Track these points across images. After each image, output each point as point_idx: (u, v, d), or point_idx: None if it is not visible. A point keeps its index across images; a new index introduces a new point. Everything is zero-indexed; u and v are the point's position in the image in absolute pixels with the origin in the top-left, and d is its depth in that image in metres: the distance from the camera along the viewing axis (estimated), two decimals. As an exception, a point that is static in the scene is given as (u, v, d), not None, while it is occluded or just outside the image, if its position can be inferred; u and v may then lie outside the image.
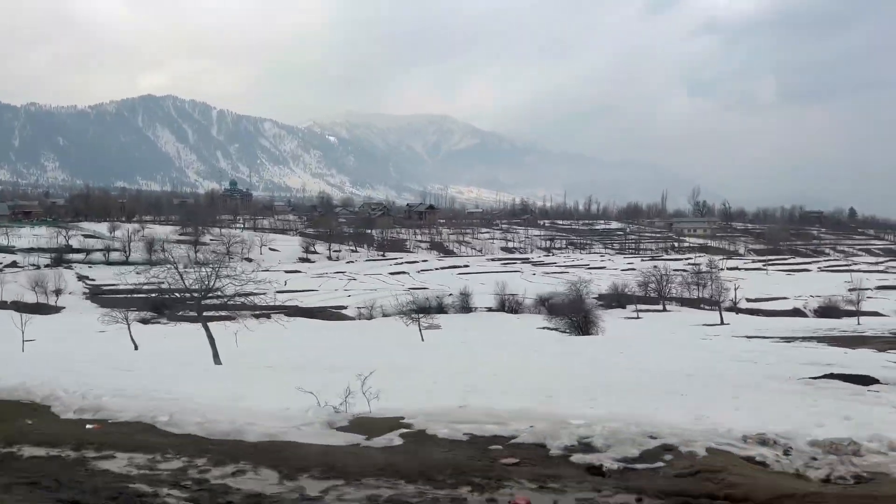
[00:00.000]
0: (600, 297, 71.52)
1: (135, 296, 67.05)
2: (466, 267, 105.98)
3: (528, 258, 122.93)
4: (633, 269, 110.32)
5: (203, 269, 21.36)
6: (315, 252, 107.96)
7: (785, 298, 73.73)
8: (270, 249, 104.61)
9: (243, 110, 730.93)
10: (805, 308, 68.09)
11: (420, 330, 35.62)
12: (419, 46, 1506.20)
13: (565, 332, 38.01)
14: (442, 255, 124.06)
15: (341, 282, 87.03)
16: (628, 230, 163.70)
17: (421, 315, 37.88)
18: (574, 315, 38.47)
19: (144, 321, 59.13)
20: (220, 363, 17.49)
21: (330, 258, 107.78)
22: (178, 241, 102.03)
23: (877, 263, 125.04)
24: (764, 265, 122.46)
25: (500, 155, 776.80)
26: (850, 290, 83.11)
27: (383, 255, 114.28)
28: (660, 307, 68.03)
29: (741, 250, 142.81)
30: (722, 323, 50.88)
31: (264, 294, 55.35)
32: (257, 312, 62.88)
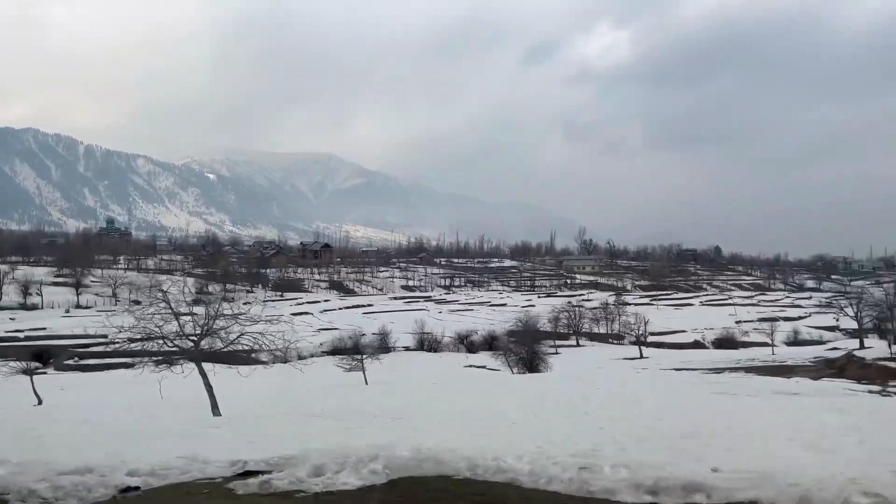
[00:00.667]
0: (511, 333, 71.98)
1: (14, 344, 60.41)
2: (370, 306, 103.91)
3: (429, 296, 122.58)
4: (533, 306, 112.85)
5: (196, 310, 19.04)
6: (209, 293, 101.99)
7: (683, 332, 77.37)
8: (161, 291, 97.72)
9: (115, 145, 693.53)
10: (704, 340, 71.69)
11: (364, 373, 33.83)
12: (304, 84, 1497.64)
13: (512, 369, 37.45)
14: (343, 294, 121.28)
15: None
16: (522, 268, 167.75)
17: (364, 356, 35.95)
18: (523, 351, 38.00)
19: (26, 372, 53.00)
20: (219, 414, 15.37)
21: (225, 300, 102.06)
22: (55, 284, 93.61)
23: (749, 297, 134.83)
24: (651, 300, 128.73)
25: (386, 194, 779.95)
26: (736, 322, 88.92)
27: (281, 296, 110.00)
28: (573, 342, 69.32)
29: (628, 286, 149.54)
30: (641, 356, 52.35)
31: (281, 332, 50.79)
32: (158, 359, 58.40)
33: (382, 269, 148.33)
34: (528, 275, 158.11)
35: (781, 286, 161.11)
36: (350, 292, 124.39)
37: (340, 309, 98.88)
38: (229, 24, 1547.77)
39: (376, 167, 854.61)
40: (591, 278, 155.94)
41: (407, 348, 62.59)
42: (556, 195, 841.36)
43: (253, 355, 61.54)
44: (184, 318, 17.57)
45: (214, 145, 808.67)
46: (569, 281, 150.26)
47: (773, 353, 48.87)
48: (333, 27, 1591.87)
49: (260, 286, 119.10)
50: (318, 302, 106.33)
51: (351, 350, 61.56)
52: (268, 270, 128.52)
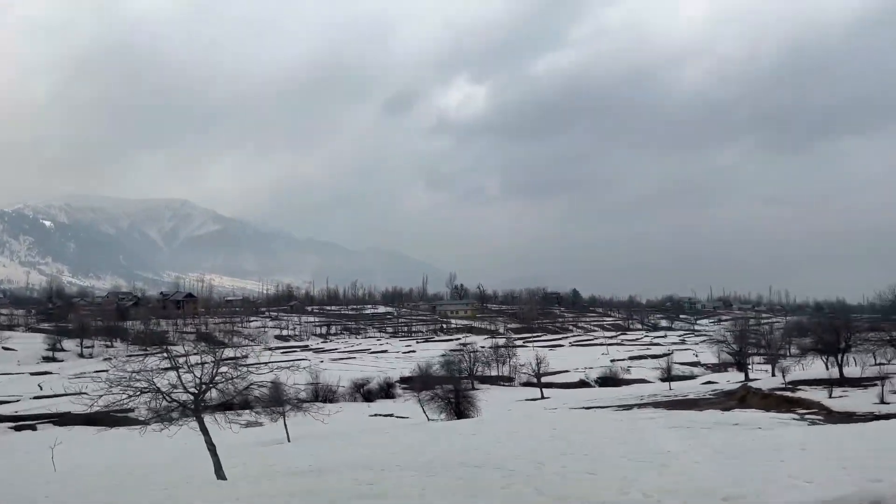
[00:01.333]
0: (403, 379, 71.13)
1: None
2: (246, 357, 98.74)
3: (307, 345, 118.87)
4: (414, 351, 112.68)
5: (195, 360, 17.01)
6: (63, 350, 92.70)
7: (566, 371, 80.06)
8: (4, 349, 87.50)
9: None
10: (588, 378, 74.50)
11: (286, 429, 31.77)
12: (154, 128, 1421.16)
13: (429, 416, 36.63)
14: (213, 346, 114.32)
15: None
16: (396, 313, 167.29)
17: (286, 409, 33.76)
18: (449, 396, 37.10)
19: None
20: (224, 477, 13.64)
21: (82, 355, 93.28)
22: None
23: (613, 337, 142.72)
24: (524, 342, 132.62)
25: (243, 242, 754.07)
26: (611, 360, 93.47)
27: (146, 350, 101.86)
28: (467, 386, 69.39)
29: (501, 329, 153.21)
30: (542, 397, 53.38)
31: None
32: (15, 424, 51.56)
33: (252, 318, 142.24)
34: (404, 321, 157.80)
35: (639, 326, 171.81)
36: (220, 344, 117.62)
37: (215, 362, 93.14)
38: (70, 63, 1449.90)
39: (233, 213, 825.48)
40: (465, 322, 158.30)
41: (300, 400, 59.73)
42: (419, 242, 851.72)
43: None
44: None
45: (52, 191, 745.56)
46: (444, 326, 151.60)
47: (670, 388, 51.63)
48: (190, 70, 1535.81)
49: (119, 340, 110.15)
50: (188, 355, 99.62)
51: (240, 405, 58.11)
52: (126, 323, 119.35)
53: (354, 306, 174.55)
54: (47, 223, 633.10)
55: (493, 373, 77.06)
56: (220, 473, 13.86)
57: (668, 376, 72.89)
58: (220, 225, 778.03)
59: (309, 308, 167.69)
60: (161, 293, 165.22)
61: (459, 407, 35.91)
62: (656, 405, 34.94)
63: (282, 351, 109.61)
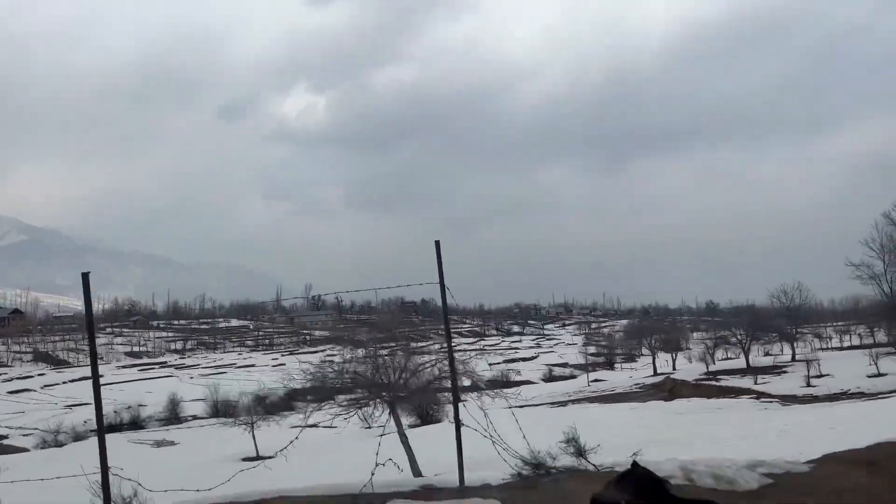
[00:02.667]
0: (295, 392, 69.03)
1: None
2: (102, 376, 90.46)
3: (164, 362, 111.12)
4: (283, 365, 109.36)
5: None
6: None
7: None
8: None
9: None
10: (480, 382, 76.92)
11: (255, 443, 30.25)
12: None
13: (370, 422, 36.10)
14: (54, 366, 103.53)
15: None
16: (252, 327, 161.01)
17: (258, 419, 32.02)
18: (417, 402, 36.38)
19: None
20: (420, 473, 12.52)
21: None
22: None
23: (473, 343, 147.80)
24: (391, 352, 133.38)
25: (55, 254, 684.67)
26: (489, 364, 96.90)
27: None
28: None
29: (364, 339, 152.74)
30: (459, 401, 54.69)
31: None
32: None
33: (96, 335, 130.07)
34: (262, 334, 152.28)
35: (494, 332, 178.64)
36: (62, 363, 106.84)
37: (66, 383, 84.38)
38: None
39: (45, 223, 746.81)
40: (327, 333, 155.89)
41: (194, 417, 56.41)
42: (258, 255, 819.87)
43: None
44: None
45: None
46: (307, 337, 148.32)
47: (588, 385, 54.87)
48: None
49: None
50: (32, 377, 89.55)
51: (129, 424, 53.63)
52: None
53: (205, 320, 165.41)
54: None
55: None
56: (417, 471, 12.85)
57: (549, 376, 77.15)
58: (27, 235, 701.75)
59: (154, 323, 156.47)
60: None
61: (426, 411, 35.58)
62: (590, 400, 37.28)
63: (139, 368, 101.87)
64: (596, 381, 64.22)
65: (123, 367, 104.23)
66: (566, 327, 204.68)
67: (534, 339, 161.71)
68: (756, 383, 34.19)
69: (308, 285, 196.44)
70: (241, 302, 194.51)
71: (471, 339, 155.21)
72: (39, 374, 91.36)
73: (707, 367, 43.85)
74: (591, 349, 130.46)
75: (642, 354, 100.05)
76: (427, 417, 35.19)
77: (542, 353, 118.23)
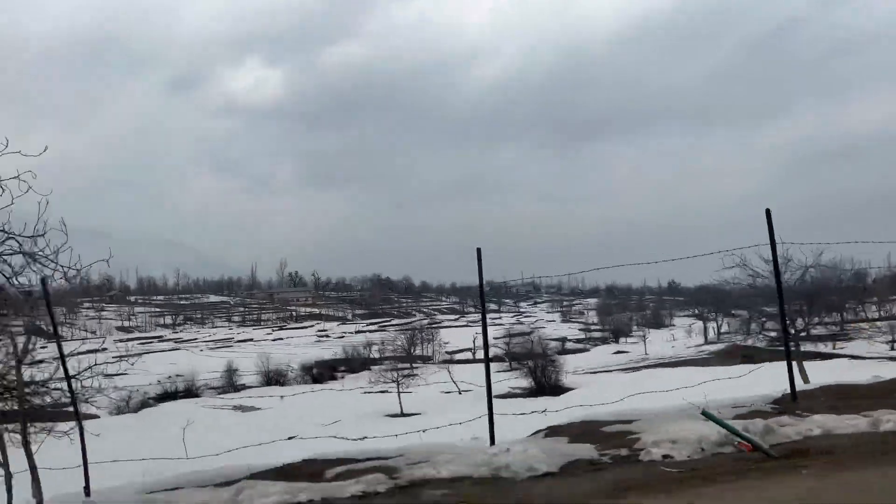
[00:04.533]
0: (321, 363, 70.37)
1: None
2: (106, 350, 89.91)
3: (160, 336, 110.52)
4: (281, 339, 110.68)
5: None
6: None
7: (463, 350, 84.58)
8: None
9: None
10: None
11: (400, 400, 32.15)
12: None
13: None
14: (50, 340, 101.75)
15: None
16: (231, 302, 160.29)
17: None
18: (538, 367, 38.32)
19: None
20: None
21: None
22: None
23: (456, 320, 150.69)
24: (380, 327, 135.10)
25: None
26: (494, 338, 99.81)
27: None
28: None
29: (349, 316, 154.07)
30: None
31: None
32: None
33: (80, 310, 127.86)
34: (244, 309, 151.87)
35: (472, 309, 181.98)
36: (59, 337, 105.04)
37: (77, 355, 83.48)
38: None
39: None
40: (310, 310, 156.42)
41: (244, 386, 57.54)
42: (204, 231, 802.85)
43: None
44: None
45: None
46: (293, 313, 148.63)
47: (646, 354, 58.12)
48: None
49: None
50: (34, 350, 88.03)
51: (183, 394, 54.44)
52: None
53: (183, 296, 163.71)
54: None
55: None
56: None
57: (563, 349, 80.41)
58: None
59: (130, 298, 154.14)
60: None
61: (550, 378, 36.97)
62: (664, 365, 40.43)
63: (137, 342, 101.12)
64: (619, 352, 67.84)
65: (121, 340, 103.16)
66: (538, 305, 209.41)
67: (513, 317, 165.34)
68: (835, 348, 37.79)
69: (283, 261, 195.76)
70: (216, 279, 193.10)
71: (453, 316, 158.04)
72: (42, 348, 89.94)
73: (707, 340, 47.60)
74: (570, 326, 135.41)
75: (632, 332, 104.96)
76: (542, 386, 37.70)
77: (538, 327, 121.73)
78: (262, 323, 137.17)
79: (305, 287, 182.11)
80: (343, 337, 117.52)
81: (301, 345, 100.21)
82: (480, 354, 79.94)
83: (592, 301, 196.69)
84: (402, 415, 34.46)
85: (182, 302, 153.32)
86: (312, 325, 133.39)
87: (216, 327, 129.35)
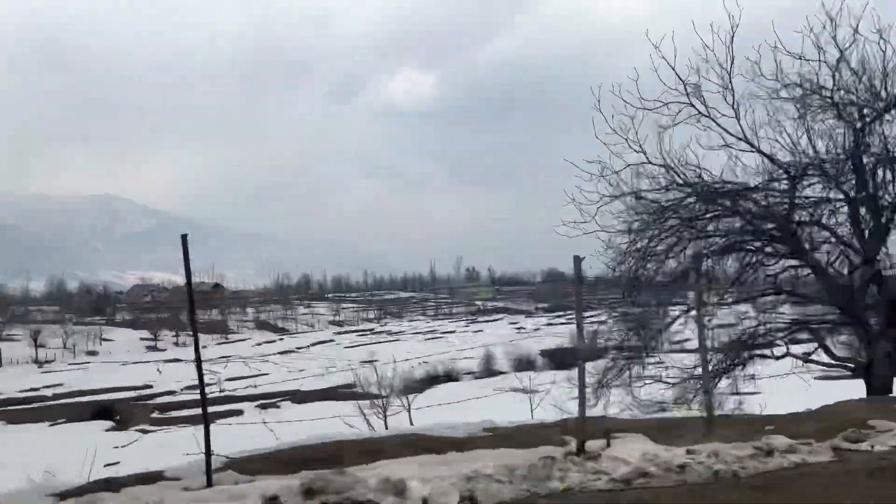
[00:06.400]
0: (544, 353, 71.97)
1: (74, 400, 48.43)
2: (332, 342, 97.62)
3: (371, 329, 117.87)
4: (481, 331, 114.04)
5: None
6: (159, 340, 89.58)
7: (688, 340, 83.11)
8: (105, 340, 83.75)
9: None
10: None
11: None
12: (81, 122, 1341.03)
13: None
14: (276, 333, 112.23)
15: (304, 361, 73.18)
16: (418, 298, 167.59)
17: None
18: None
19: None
20: None
21: (177, 344, 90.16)
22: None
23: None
24: (567, 321, 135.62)
25: (179, 236, 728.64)
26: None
27: (226, 339, 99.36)
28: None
29: (532, 309, 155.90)
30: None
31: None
32: (260, 403, 49.99)
33: (275, 306, 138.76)
34: (433, 304, 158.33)
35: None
36: (281, 330, 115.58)
37: (312, 345, 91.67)
38: None
39: (170, 208, 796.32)
40: (494, 304, 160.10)
41: (500, 372, 60.36)
42: (361, 231, 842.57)
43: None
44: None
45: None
46: (480, 307, 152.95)
47: None
48: (118, 61, 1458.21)
49: (177, 332, 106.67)
50: (276, 341, 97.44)
51: (444, 378, 58.06)
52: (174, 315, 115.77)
53: (372, 293, 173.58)
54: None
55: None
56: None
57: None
58: (154, 220, 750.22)
59: (327, 295, 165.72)
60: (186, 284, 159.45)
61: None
62: None
63: (357, 334, 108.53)
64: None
65: (340, 333, 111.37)
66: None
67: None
68: None
69: (459, 257, 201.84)
70: (399, 277, 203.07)
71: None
72: (278, 339, 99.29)
73: None
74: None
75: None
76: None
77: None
78: (452, 316, 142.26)
79: (482, 282, 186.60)
80: (538, 329, 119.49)
81: (506, 336, 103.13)
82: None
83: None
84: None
85: (371, 298, 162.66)
86: (501, 318, 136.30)
87: (413, 321, 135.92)
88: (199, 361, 6.47)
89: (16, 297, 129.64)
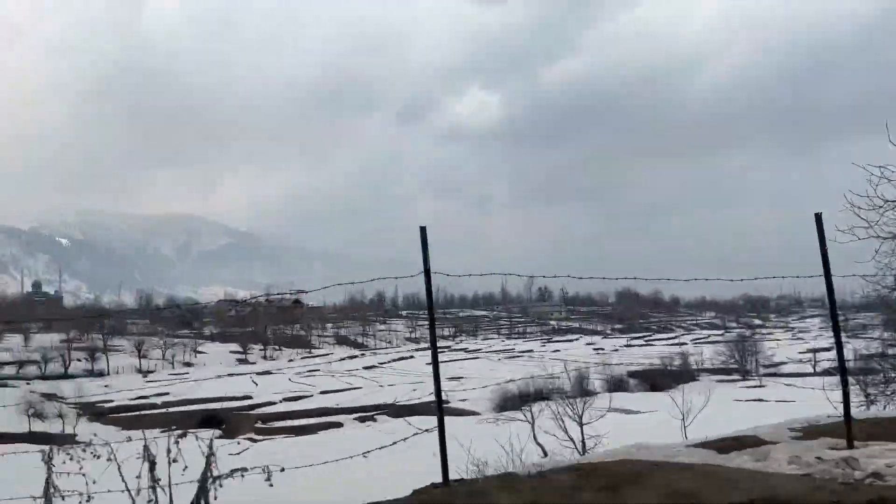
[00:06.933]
0: (633, 374, 71.09)
1: (181, 408, 50.77)
2: (412, 359, 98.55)
3: (447, 346, 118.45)
4: (558, 351, 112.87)
5: None
6: (249, 353, 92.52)
7: (784, 363, 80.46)
8: (198, 352, 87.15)
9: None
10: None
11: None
12: (166, 144, 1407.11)
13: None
14: (356, 349, 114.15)
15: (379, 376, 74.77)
16: (491, 316, 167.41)
17: None
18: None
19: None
20: None
21: (265, 358, 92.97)
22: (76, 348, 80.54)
23: (723, 333, 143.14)
24: (646, 342, 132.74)
25: (255, 254, 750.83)
26: (799, 352, 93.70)
27: (310, 353, 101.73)
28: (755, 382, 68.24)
29: (608, 330, 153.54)
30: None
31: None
32: (358, 416, 51.22)
33: (350, 322, 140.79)
34: (507, 323, 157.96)
35: (735, 324, 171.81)
36: (361, 346, 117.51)
37: (397, 361, 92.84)
38: (87, 80, 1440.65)
39: (245, 226, 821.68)
40: (568, 324, 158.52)
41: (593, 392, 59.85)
42: (430, 250, 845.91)
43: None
44: None
45: (67, 208, 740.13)
46: (555, 326, 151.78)
47: None
48: (202, 87, 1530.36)
49: (260, 345, 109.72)
50: (358, 357, 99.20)
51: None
52: (254, 329, 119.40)
53: (446, 311, 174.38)
54: (63, 240, 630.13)
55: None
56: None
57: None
58: (231, 238, 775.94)
59: (401, 313, 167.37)
60: (267, 298, 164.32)
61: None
62: None
63: (439, 352, 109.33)
64: None
65: (419, 349, 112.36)
66: (806, 320, 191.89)
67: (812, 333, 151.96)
68: None
69: (530, 278, 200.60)
70: (481, 294, 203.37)
71: (714, 332, 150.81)
72: (360, 355, 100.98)
73: None
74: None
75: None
76: None
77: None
78: (528, 335, 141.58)
79: (554, 301, 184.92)
80: (617, 350, 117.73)
81: (583, 356, 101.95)
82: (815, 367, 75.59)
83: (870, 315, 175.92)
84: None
85: (445, 316, 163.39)
86: (578, 338, 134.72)
87: (487, 339, 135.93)
88: (436, 366, 6.18)
89: (110, 309, 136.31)
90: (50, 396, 52.40)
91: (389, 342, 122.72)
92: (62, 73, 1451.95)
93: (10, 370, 63.23)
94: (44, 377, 62.71)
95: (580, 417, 13.44)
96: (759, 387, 62.26)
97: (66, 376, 63.33)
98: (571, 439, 12.62)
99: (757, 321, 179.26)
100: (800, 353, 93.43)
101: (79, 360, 70.57)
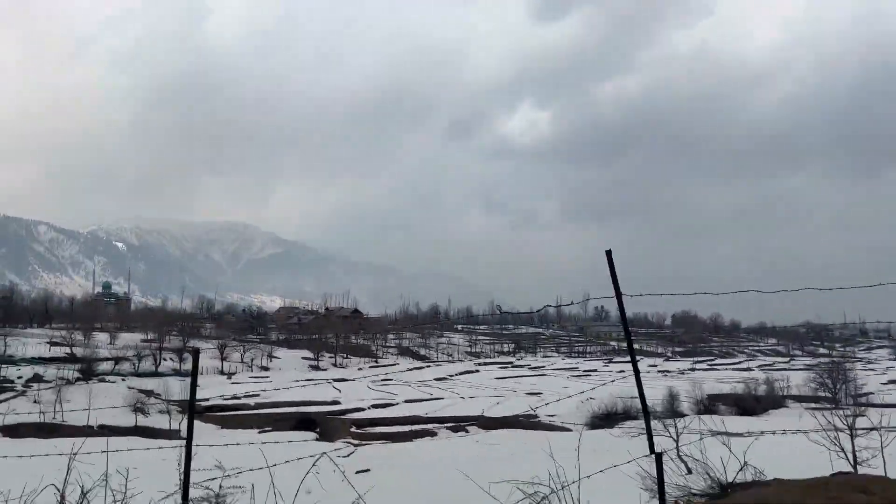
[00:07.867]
0: (715, 398, 69.27)
1: (273, 410, 51.62)
2: (477, 372, 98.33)
3: (509, 362, 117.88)
4: (622, 372, 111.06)
5: None
6: (320, 360, 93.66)
7: (871, 393, 77.65)
8: (273, 357, 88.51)
9: (14, 212, 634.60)
10: None
11: None
12: (222, 154, 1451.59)
13: None
14: (419, 360, 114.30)
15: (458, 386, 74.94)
16: (547, 334, 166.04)
17: None
18: None
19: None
20: None
21: (335, 365, 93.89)
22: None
23: (789, 360, 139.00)
24: (710, 366, 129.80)
25: (303, 264, 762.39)
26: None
27: (377, 363, 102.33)
28: (844, 408, 66.47)
29: (669, 353, 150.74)
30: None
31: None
32: (451, 426, 51.20)
33: (407, 335, 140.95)
34: (564, 340, 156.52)
35: (799, 352, 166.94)
36: (423, 358, 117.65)
37: (463, 374, 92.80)
38: (148, 91, 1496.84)
39: (294, 237, 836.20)
40: (623, 344, 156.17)
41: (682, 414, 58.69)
42: (473, 266, 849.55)
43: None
44: None
45: (124, 213, 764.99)
46: (615, 346, 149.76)
47: None
48: (258, 99, 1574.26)
49: (325, 353, 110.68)
50: (423, 368, 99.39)
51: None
52: (320, 337, 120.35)
53: (500, 326, 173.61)
54: (119, 244, 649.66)
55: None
56: None
57: None
58: (280, 248, 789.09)
59: (456, 326, 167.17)
60: (326, 308, 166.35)
61: None
62: None
63: (498, 367, 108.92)
64: None
65: (481, 363, 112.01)
66: (871, 351, 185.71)
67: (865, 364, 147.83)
68: None
69: (587, 293, 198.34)
70: (536, 310, 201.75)
71: (781, 358, 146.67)
72: (425, 367, 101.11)
73: None
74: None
75: None
76: None
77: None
78: (588, 354, 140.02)
79: (612, 321, 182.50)
80: (684, 373, 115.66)
81: (653, 378, 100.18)
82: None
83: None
84: None
85: (499, 331, 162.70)
86: (639, 360, 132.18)
87: (546, 356, 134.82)
88: (639, 383, 6.23)
89: (173, 313, 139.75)
90: (148, 393, 53.82)
91: (450, 355, 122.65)
92: (124, 83, 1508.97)
93: (106, 366, 65.26)
94: (137, 374, 64.54)
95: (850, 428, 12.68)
96: (860, 416, 60.08)
97: (156, 374, 65.04)
98: (842, 449, 12.19)
99: (822, 349, 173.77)
100: (882, 383, 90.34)
101: (165, 359, 72.43)
